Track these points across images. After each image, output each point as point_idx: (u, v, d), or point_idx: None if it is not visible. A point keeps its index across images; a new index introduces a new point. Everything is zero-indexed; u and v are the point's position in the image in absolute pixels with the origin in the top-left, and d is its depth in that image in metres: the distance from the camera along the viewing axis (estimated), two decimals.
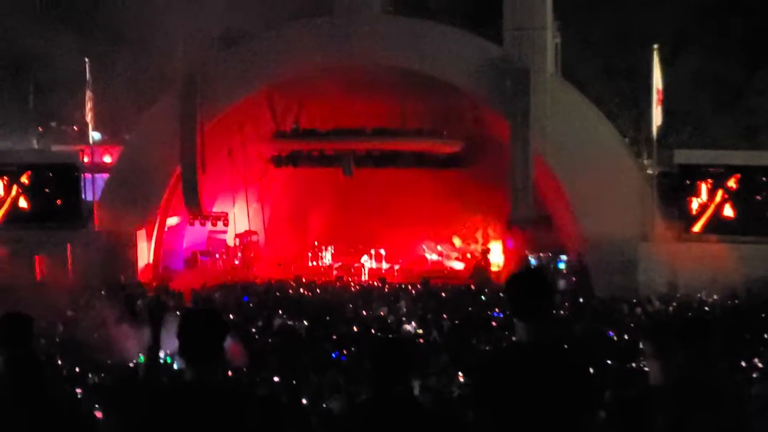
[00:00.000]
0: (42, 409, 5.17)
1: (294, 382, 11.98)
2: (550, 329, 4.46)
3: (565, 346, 4.80)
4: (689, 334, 4.90)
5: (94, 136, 30.33)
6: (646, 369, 5.19)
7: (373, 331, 17.58)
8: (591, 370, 4.65)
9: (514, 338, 4.67)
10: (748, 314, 19.58)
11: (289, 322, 18.91)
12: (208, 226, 30.64)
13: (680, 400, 4.51)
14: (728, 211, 26.09)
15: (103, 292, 23.64)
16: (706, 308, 21.31)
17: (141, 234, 28.43)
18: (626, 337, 16.73)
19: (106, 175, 29.79)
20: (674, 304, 22.30)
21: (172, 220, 30.70)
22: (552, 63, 27.56)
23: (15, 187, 28.97)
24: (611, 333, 17.34)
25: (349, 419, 4.59)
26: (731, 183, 26.02)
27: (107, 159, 32.77)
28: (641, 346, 5.34)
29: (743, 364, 12.38)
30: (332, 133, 30.12)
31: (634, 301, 22.49)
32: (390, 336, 15.48)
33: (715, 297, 23.13)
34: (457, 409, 8.41)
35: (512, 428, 4.24)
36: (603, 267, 25.50)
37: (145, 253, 28.75)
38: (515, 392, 4.25)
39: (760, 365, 12.48)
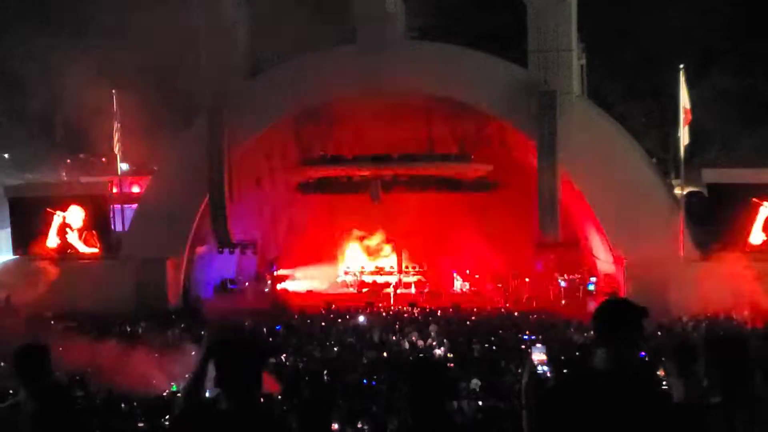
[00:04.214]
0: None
1: (326, 408, 11.95)
2: (633, 359, 4.37)
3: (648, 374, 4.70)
4: (725, 354, 4.83)
5: (122, 167, 30.63)
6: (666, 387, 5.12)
7: (404, 356, 17.54)
8: (672, 398, 4.54)
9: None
10: None
11: (320, 349, 18.91)
12: (237, 254, 30.74)
13: (715, 421, 4.45)
14: (757, 231, 25.95)
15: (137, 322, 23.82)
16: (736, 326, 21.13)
17: (170, 263, 28.59)
18: (653, 357, 16.55)
19: (134, 206, 30.03)
20: (705, 323, 22.12)
21: (201, 249, 30.85)
22: (578, 84, 27.52)
23: (49, 219, 29.30)
24: (643, 354, 17.16)
25: None
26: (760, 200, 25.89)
27: (135, 189, 33.06)
28: (664, 364, 5.27)
29: None
30: (359, 159, 30.12)
31: (666, 321, 22.29)
32: (424, 358, 15.45)
33: (745, 314, 22.95)
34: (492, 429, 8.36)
35: None
36: (633, 287, 25.29)
37: (174, 282, 28.89)
38: (583, 417, 4.17)
39: None
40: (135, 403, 13.35)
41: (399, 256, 32.61)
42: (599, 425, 4.12)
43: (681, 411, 4.42)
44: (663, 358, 5.52)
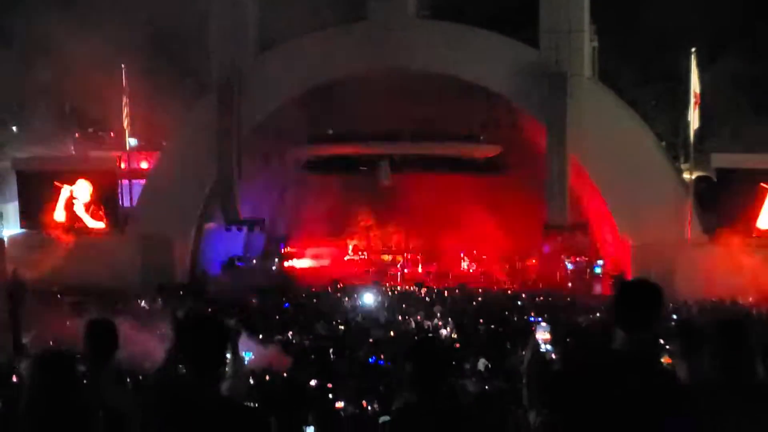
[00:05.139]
0: (72, 408, 5.23)
1: (331, 386, 11.99)
2: (651, 342, 4.34)
3: (662, 361, 4.67)
4: (724, 336, 4.86)
5: (131, 142, 30.59)
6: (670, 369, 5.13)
7: (410, 335, 17.58)
8: (684, 390, 4.53)
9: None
10: None
11: (326, 327, 18.95)
12: (245, 231, 30.75)
13: (711, 401, 4.44)
14: (765, 216, 25.93)
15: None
16: (741, 311, 21.15)
17: (178, 239, 28.63)
18: (662, 341, 16.56)
19: (143, 181, 30.05)
20: (709, 307, 22.15)
21: (209, 226, 30.88)
22: (589, 66, 27.39)
23: (57, 193, 29.34)
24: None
25: (397, 423, 4.54)
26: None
27: (144, 165, 33.04)
28: (669, 346, 5.28)
29: None
30: (369, 138, 30.09)
31: (671, 304, 22.30)
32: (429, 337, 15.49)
33: (750, 300, 22.95)
34: (498, 409, 8.37)
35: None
36: (640, 271, 25.24)
37: (182, 258, 28.95)
38: (595, 398, 4.16)
39: None
40: (140, 378, 13.39)
41: (406, 245, 32.57)
42: (613, 407, 4.11)
43: (688, 392, 4.42)
44: (667, 341, 5.53)
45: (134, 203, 29.45)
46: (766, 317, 20.07)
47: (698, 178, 27.68)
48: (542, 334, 13.00)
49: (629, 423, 4.10)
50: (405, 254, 32.01)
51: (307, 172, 31.87)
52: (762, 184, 25.87)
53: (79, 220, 29.24)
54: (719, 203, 26.36)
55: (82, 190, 29.33)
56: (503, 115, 29.47)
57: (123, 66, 28.28)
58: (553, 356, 12.34)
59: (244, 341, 13.23)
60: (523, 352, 13.37)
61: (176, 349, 5.08)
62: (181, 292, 25.85)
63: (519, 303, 24.15)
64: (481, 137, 29.56)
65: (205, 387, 4.26)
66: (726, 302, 22.79)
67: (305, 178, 32.74)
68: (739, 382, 4.72)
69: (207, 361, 4.29)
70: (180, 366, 4.52)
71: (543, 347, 12.60)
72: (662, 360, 5.28)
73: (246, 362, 13.00)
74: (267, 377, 12.20)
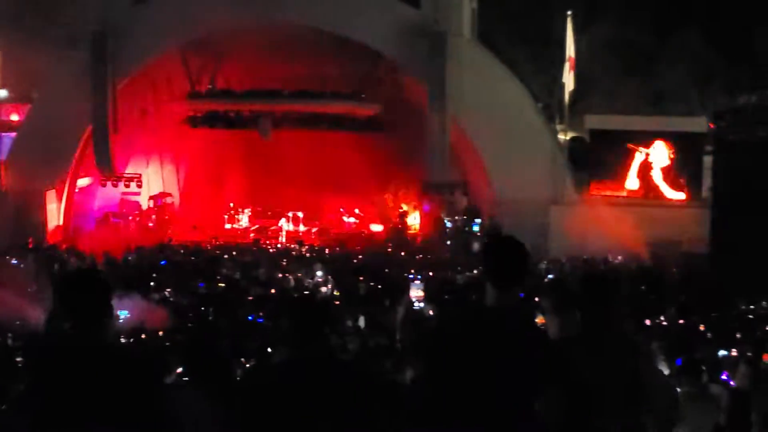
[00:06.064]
0: None
1: (211, 344, 11.92)
2: (522, 297, 4.45)
3: (532, 318, 4.81)
4: (587, 291, 5.09)
5: (0, 93, 29.39)
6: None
7: (290, 293, 17.61)
8: (553, 344, 4.68)
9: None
10: (653, 275, 20.21)
11: (205, 285, 18.78)
12: (121, 187, 30.06)
13: (576, 355, 4.63)
14: (633, 176, 26.98)
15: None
16: (611, 268, 21.98)
17: (51, 194, 27.77)
18: (536, 299, 17.11)
19: (13, 134, 28.96)
20: (581, 264, 22.90)
21: (83, 181, 30.06)
22: (468, 27, 27.73)
23: None
24: (522, 294, 17.66)
25: (269, 380, 4.59)
26: (640, 148, 26.85)
27: (14, 117, 31.82)
28: (541, 303, 5.48)
29: (648, 322, 12.83)
30: (249, 95, 29.74)
31: (546, 262, 23.01)
32: (306, 294, 15.59)
33: (619, 258, 23.87)
34: (375, 365, 8.53)
35: (456, 386, 4.26)
36: (515, 229, 25.82)
37: (55, 214, 28.12)
38: (469, 352, 4.26)
39: (664, 323, 12.97)
40: (9, 335, 13.04)
41: (288, 203, 32.41)
42: (484, 361, 4.24)
43: (555, 346, 4.60)
44: (540, 299, 5.74)
45: (3, 157, 28.35)
46: (634, 274, 20.95)
47: (572, 139, 28.54)
48: (416, 292, 13.28)
49: (499, 377, 4.23)
50: (286, 212, 31.89)
51: (186, 127, 31.21)
52: (629, 144, 26.87)
53: None
54: (591, 163, 27.30)
55: None
56: (385, 74, 29.56)
57: None
58: (431, 312, 12.60)
59: (120, 300, 13.05)
60: (399, 308, 13.63)
61: (57, 306, 5.00)
62: (54, 249, 25.15)
63: (399, 261, 24.46)
64: (362, 95, 29.57)
65: (92, 338, 4.24)
66: (597, 260, 23.62)
67: (184, 133, 32.10)
68: (600, 335, 4.96)
69: (91, 313, 4.27)
70: (63, 322, 4.49)
71: (416, 305, 12.88)
72: (536, 317, 5.46)
73: (122, 321, 12.82)
74: (143, 335, 12.05)
